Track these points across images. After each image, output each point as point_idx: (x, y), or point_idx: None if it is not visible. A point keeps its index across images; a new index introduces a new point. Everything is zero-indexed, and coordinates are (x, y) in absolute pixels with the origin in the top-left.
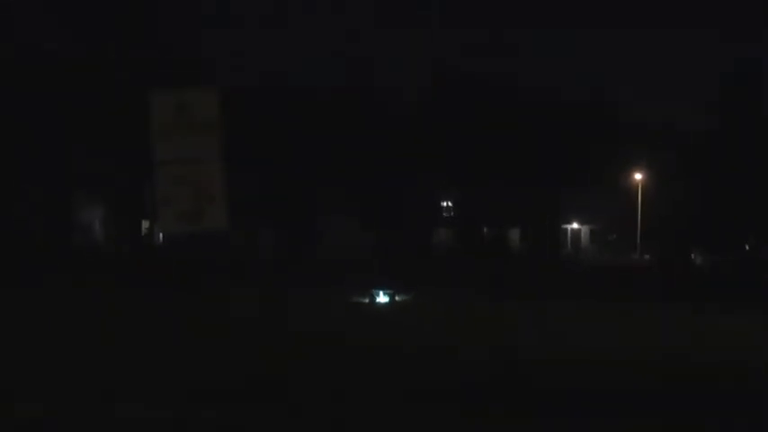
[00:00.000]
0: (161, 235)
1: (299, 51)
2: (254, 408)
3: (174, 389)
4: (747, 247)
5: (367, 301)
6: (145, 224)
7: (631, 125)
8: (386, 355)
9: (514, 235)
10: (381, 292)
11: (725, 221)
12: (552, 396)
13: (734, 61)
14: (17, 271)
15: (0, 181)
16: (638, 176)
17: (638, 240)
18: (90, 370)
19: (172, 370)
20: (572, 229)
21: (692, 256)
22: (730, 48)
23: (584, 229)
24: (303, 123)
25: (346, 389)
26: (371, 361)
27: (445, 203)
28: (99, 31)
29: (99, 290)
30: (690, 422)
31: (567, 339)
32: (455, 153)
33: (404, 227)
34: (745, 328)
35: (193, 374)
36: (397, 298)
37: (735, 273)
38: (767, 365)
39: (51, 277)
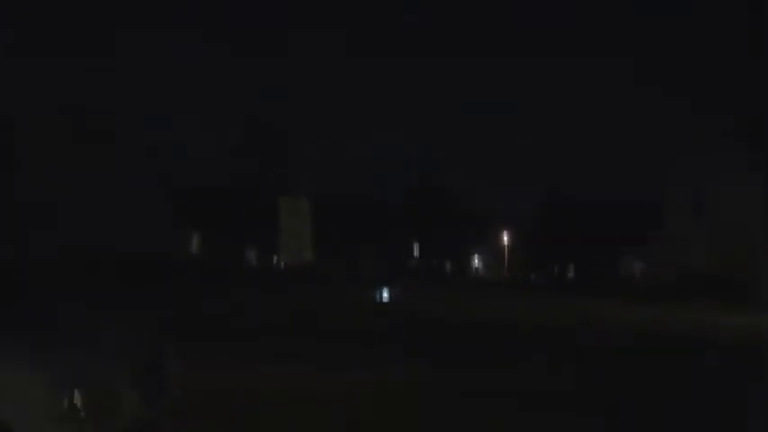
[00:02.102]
0: (282, 263)
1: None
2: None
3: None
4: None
5: (378, 297)
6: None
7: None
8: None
9: (448, 263)
10: (384, 292)
11: (548, 259)
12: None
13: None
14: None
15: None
16: (505, 238)
17: (506, 267)
18: None
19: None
20: (475, 262)
21: (531, 275)
22: None
23: (480, 261)
24: (343, 214)
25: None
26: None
27: (415, 247)
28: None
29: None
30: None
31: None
32: (419, 226)
33: (397, 258)
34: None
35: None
36: (392, 295)
37: (549, 282)
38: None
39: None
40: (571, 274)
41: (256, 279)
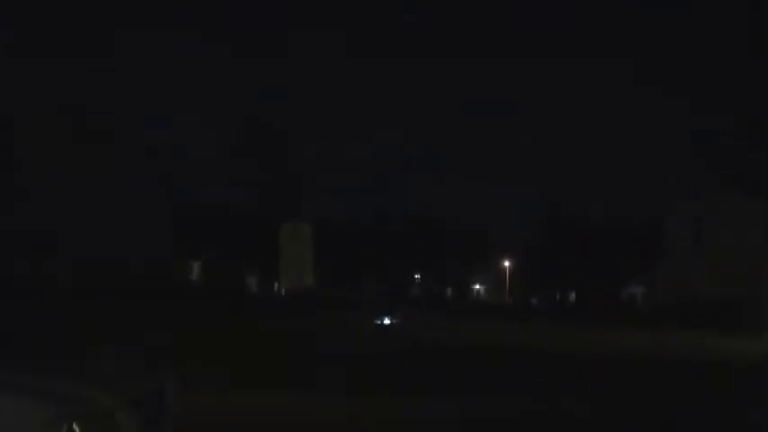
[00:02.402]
0: (283, 289)
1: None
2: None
3: None
4: (559, 295)
5: (379, 322)
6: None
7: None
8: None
9: (449, 289)
10: (385, 318)
11: (549, 283)
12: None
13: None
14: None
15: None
16: (506, 262)
17: (507, 292)
18: None
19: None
20: (476, 288)
21: (532, 300)
22: None
23: (481, 285)
24: (345, 240)
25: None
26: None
27: (416, 276)
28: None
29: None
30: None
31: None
32: (418, 251)
33: (398, 286)
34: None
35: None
36: (393, 321)
37: (550, 307)
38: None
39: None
40: (572, 299)
41: (257, 305)
